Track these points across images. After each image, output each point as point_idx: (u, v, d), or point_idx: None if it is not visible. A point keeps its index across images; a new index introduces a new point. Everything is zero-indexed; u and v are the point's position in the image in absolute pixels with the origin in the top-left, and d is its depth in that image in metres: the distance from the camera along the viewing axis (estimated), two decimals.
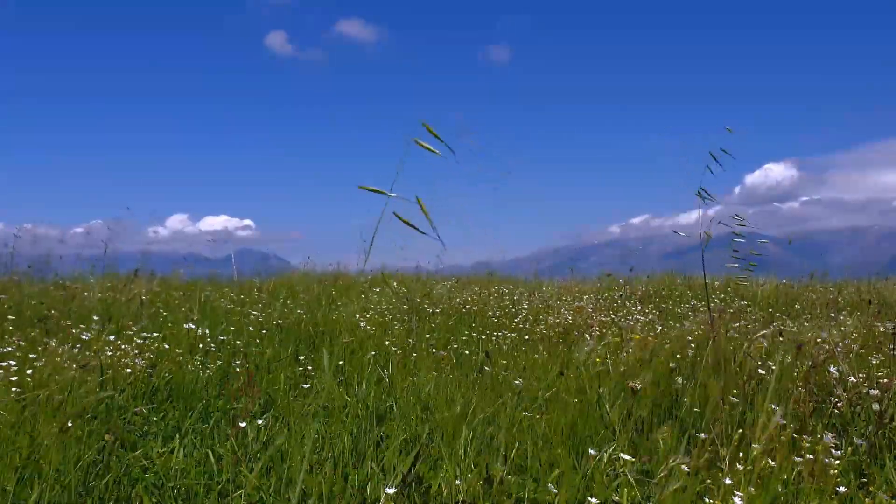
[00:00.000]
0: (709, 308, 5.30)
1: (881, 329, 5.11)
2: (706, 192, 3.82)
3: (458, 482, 2.57)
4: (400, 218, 1.47)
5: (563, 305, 7.74)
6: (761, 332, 4.57)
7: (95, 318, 5.29)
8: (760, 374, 3.67)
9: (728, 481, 2.29)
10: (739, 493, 2.23)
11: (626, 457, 2.59)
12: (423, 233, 1.45)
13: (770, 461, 2.46)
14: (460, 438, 2.83)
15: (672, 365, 3.95)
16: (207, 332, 5.29)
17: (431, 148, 1.50)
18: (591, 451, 2.60)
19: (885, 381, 3.37)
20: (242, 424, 3.02)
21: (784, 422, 2.66)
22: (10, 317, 5.35)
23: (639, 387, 3.20)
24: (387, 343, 5.25)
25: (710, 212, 4.40)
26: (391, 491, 2.41)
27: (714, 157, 3.88)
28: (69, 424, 2.86)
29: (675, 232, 4.12)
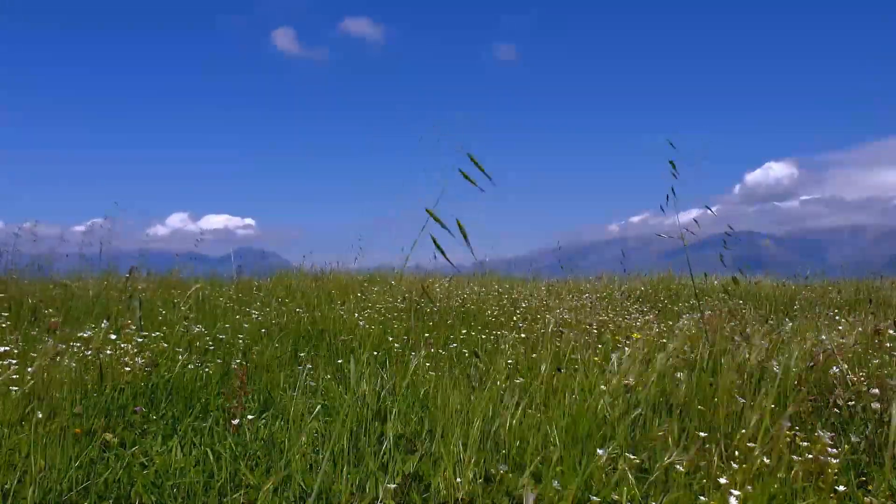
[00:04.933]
0: (698, 306, 5.31)
1: (879, 328, 5.12)
2: (673, 193, 3.89)
3: (457, 480, 2.57)
4: (436, 244, 1.53)
5: (561, 304, 7.75)
6: (760, 333, 4.57)
7: (94, 316, 5.29)
8: (759, 373, 3.67)
9: (724, 480, 2.30)
10: (736, 492, 2.23)
11: (628, 455, 2.60)
12: (451, 262, 1.54)
13: (767, 460, 2.46)
14: (459, 436, 2.83)
15: (670, 363, 3.96)
16: (206, 331, 5.29)
17: (472, 180, 1.56)
18: (600, 452, 2.59)
19: (884, 380, 3.37)
20: (235, 422, 3.02)
21: (788, 424, 2.67)
22: (7, 314, 5.35)
23: (632, 383, 3.20)
24: (387, 341, 5.25)
25: (713, 209, 4.45)
26: (391, 487, 2.41)
27: (673, 166, 3.95)
28: (68, 423, 2.86)
29: (658, 234, 4.15)
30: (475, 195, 1.55)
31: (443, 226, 1.49)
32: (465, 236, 1.50)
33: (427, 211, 1.51)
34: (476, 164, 1.56)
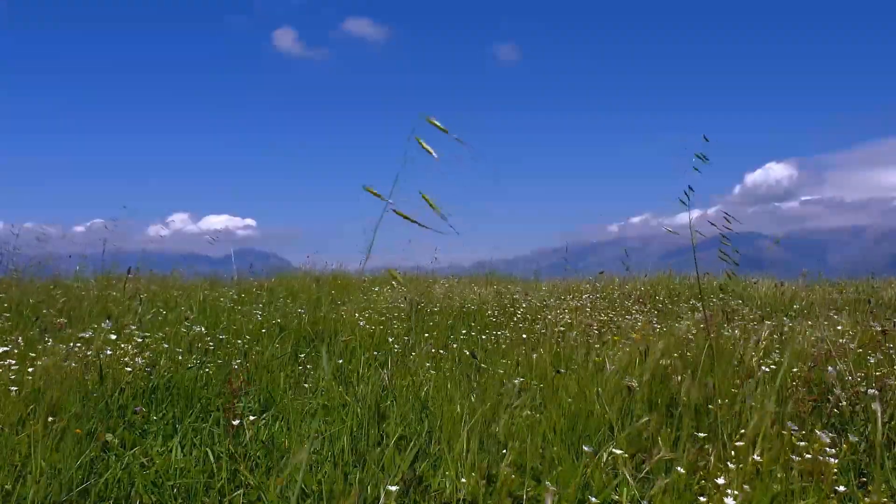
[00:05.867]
0: (703, 307, 5.31)
1: (878, 329, 5.12)
2: (691, 189, 3.83)
3: (457, 481, 2.57)
4: (399, 213, 1.45)
5: (561, 304, 7.75)
6: (759, 332, 4.58)
7: (95, 317, 5.30)
8: (759, 373, 3.67)
9: (721, 480, 2.30)
10: (733, 492, 2.23)
11: (625, 454, 2.60)
12: (425, 226, 1.44)
13: (766, 460, 2.46)
14: (459, 437, 2.84)
15: (669, 363, 3.96)
16: (206, 331, 5.29)
17: (430, 150, 1.47)
18: (586, 448, 2.60)
19: (883, 380, 3.38)
20: (236, 422, 3.02)
21: (795, 428, 2.67)
22: (7, 315, 5.35)
23: (635, 385, 3.21)
24: (387, 342, 5.25)
25: (711, 211, 4.44)
26: (391, 489, 2.41)
27: (703, 157, 3.90)
28: (68, 423, 2.86)
29: (668, 230, 4.11)
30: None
31: (382, 199, 1.41)
32: (434, 208, 1.41)
33: (365, 188, 1.45)
34: (437, 126, 1.47)
